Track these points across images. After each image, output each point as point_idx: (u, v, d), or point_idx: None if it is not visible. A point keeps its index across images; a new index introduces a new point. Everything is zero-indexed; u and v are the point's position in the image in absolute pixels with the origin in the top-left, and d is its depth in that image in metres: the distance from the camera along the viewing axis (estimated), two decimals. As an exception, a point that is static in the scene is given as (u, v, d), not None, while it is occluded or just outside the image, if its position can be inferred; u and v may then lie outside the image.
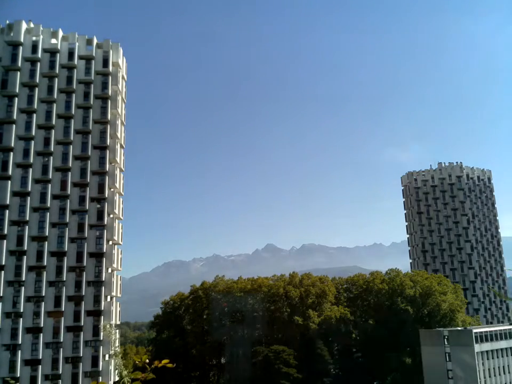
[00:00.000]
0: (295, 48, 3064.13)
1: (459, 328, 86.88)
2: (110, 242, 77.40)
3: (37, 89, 76.78)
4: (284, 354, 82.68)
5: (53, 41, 79.87)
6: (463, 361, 76.51)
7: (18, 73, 75.78)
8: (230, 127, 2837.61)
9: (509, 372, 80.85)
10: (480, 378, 74.99)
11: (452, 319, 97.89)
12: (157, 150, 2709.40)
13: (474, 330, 77.90)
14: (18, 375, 66.92)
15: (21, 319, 68.91)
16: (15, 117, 74.16)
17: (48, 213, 73.24)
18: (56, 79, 78.28)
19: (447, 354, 78.63)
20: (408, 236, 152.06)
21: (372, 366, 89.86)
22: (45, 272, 71.34)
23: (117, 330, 65.72)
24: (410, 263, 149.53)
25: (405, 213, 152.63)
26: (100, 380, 68.80)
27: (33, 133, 74.99)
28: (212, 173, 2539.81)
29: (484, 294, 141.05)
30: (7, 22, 77.80)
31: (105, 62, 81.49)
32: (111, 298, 77.04)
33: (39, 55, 77.59)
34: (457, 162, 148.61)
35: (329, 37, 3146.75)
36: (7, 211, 71.34)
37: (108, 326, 68.56)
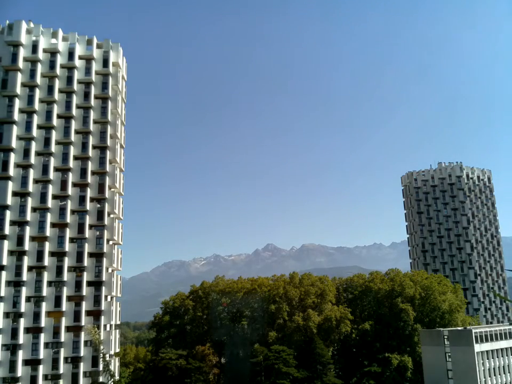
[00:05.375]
0: (294, 44, 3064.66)
1: (459, 328, 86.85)
2: (110, 242, 77.47)
3: (37, 89, 76.75)
4: (284, 354, 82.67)
5: (53, 41, 79.84)
6: (463, 361, 76.49)
7: (18, 73, 75.71)
8: (230, 126, 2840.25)
9: (509, 372, 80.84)
10: (480, 378, 74.95)
11: (452, 319, 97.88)
12: (156, 150, 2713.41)
13: (474, 330, 77.85)
14: (19, 375, 67.01)
15: (21, 319, 68.93)
16: (15, 117, 74.08)
17: (48, 213, 73.26)
18: (56, 79, 78.27)
19: (447, 354, 78.63)
20: (408, 236, 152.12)
21: (371, 365, 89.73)
22: (45, 272, 71.36)
23: (100, 331, 65.59)
24: (410, 263, 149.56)
25: (405, 213, 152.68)
26: (100, 380, 68.89)
27: (33, 133, 74.96)
28: (212, 172, 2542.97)
29: (483, 294, 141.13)
30: (7, 22, 77.75)
31: (105, 62, 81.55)
32: (111, 298, 77.09)
33: (39, 55, 77.55)
34: (457, 162, 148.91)
35: (329, 34, 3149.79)
36: (7, 211, 71.32)
37: (92, 328, 68.47)
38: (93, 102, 79.40)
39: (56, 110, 77.13)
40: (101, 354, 64.00)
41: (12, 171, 72.64)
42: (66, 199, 74.80)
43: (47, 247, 72.26)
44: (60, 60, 79.24)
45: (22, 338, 68.34)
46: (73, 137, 77.21)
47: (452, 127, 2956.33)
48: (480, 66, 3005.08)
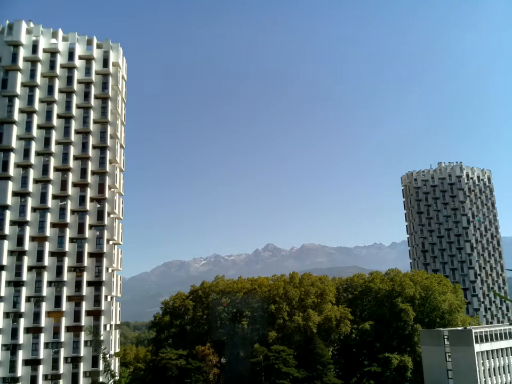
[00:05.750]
0: (295, 48, 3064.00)
1: (459, 328, 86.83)
2: (110, 242, 77.50)
3: (37, 89, 76.77)
4: (283, 354, 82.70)
5: (53, 41, 79.88)
6: (463, 361, 76.49)
7: (18, 73, 75.74)
8: (231, 127, 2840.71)
9: (509, 372, 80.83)
10: (480, 378, 74.94)
11: (452, 319, 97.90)
12: (157, 150, 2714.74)
13: (474, 330, 77.84)
14: (19, 375, 67.02)
15: (21, 319, 68.97)
16: (15, 117, 74.12)
17: (48, 213, 73.27)
18: (56, 79, 78.30)
19: (447, 354, 78.61)
20: (408, 235, 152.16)
21: (371, 365, 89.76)
22: (45, 272, 71.38)
23: (100, 331, 65.79)
24: (410, 263, 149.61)
25: (405, 213, 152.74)
26: (100, 380, 68.90)
27: (33, 133, 74.99)
28: (213, 173, 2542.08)
29: (483, 294, 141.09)
30: (7, 22, 77.80)
31: (105, 62, 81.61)
32: (111, 298, 77.10)
33: (39, 55, 77.58)
34: (457, 162, 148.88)
35: (328, 35, 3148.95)
36: (7, 211, 71.36)
37: (89, 329, 68.57)
38: (93, 102, 79.43)
39: (56, 110, 77.17)
40: (102, 354, 64.07)
41: (11, 171, 72.67)
42: (66, 199, 74.82)
43: (47, 247, 72.29)
44: (59, 59, 79.27)
45: (22, 338, 68.38)
46: (73, 137, 77.24)
47: (452, 127, 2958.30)
48: (480, 66, 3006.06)
